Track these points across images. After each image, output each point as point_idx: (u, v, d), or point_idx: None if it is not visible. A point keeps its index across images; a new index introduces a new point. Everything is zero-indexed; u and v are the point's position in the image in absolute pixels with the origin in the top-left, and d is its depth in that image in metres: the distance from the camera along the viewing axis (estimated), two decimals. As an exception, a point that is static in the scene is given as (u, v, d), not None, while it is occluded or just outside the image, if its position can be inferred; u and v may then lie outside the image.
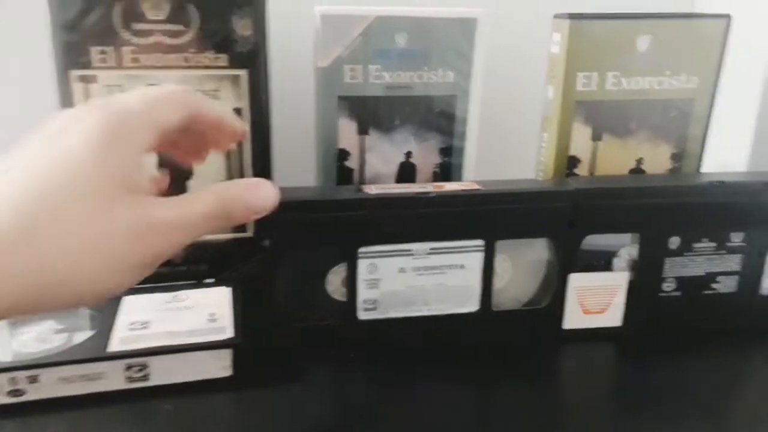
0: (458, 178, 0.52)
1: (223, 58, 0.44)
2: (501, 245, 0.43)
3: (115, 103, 0.26)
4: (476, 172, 0.51)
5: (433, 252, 0.42)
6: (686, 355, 0.43)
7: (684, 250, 0.44)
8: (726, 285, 0.45)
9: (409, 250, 0.42)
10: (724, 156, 0.58)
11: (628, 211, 0.43)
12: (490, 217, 0.42)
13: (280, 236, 0.40)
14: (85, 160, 0.24)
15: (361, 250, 0.41)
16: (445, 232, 0.42)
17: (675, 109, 0.49)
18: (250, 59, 0.44)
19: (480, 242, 0.42)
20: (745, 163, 0.57)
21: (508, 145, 0.63)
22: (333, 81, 0.46)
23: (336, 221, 0.41)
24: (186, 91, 0.29)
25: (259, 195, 0.29)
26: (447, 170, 0.51)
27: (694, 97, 0.49)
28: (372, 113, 0.48)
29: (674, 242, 0.44)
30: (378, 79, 0.47)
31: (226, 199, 0.27)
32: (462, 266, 0.43)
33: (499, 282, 0.44)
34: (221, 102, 0.45)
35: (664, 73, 0.47)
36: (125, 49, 0.42)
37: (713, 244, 0.44)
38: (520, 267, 0.45)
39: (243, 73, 0.44)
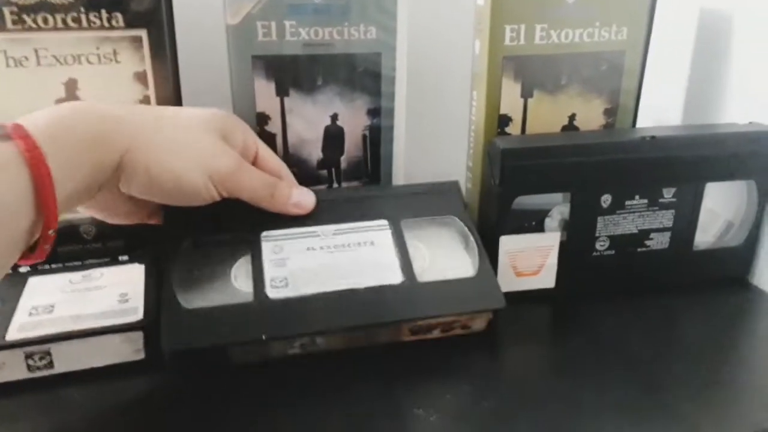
0: (389, 141, 0.51)
1: (118, 18, 0.42)
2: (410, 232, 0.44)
3: None
4: (407, 134, 0.51)
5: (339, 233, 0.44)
6: (619, 314, 0.45)
7: (616, 208, 0.46)
8: (659, 242, 0.47)
9: (314, 232, 0.44)
10: (659, 110, 0.59)
11: (558, 169, 0.44)
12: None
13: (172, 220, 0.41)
14: (204, 116, 0.41)
15: (264, 233, 0.42)
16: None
17: (606, 62, 0.50)
18: (150, 18, 0.43)
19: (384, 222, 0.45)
20: (679, 117, 0.58)
21: (438, 104, 0.63)
22: (245, 39, 0.45)
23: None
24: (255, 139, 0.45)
25: (306, 199, 0.44)
26: (376, 133, 0.51)
27: (625, 49, 0.50)
28: (291, 73, 0.47)
29: (606, 200, 0.45)
30: (294, 36, 0.46)
31: (281, 183, 0.43)
32: (372, 243, 0.44)
33: (420, 264, 0.43)
34: (121, 65, 0.43)
35: (594, 24, 0.48)
36: (5, 9, 0.40)
37: (645, 201, 0.46)
38: (438, 249, 0.45)
39: (142, 34, 0.43)
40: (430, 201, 0.47)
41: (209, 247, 0.42)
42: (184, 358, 0.38)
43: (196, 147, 0.38)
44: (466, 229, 0.45)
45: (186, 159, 0.37)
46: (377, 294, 0.40)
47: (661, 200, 0.46)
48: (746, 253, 0.49)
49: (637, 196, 0.46)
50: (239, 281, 0.41)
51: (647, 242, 0.47)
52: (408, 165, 0.52)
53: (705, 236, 0.48)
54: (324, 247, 0.43)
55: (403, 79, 0.50)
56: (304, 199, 0.43)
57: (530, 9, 0.46)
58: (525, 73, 0.49)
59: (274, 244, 0.42)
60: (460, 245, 0.45)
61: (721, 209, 0.48)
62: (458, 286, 0.42)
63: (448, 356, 0.40)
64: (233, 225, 0.42)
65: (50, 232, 0.32)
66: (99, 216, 0.40)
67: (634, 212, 0.46)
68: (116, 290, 0.41)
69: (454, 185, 0.48)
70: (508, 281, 0.45)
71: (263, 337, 0.37)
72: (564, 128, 0.51)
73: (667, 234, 0.47)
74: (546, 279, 0.46)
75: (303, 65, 0.47)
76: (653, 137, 0.45)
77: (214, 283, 0.41)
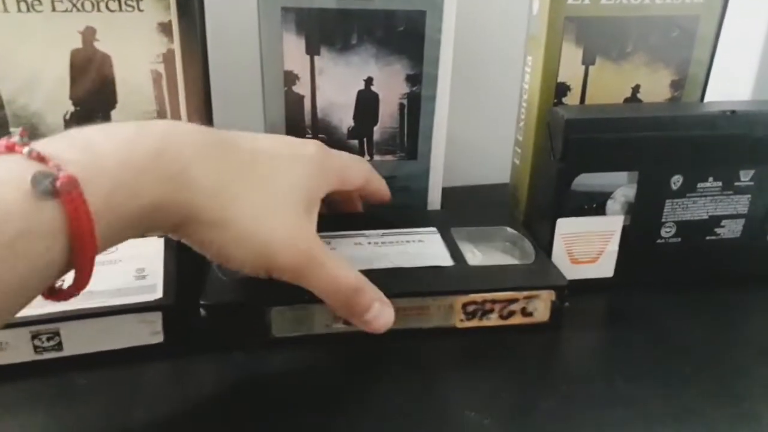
0: (429, 113, 0.49)
1: (140, -38, 0.39)
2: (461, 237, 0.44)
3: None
4: (450, 106, 0.48)
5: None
6: (685, 308, 0.43)
7: (687, 190, 0.43)
8: (731, 230, 0.45)
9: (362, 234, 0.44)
10: (728, 83, 0.56)
11: (627, 145, 0.41)
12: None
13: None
14: (302, 172, 0.34)
15: None
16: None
17: (677, 28, 0.46)
18: (175, -37, 0.40)
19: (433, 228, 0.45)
20: (749, 92, 0.55)
21: (486, 71, 0.60)
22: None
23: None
24: (371, 168, 0.42)
25: (385, 316, 0.35)
26: (416, 103, 0.49)
27: (700, 14, 0.47)
28: (322, 29, 0.45)
29: (676, 181, 0.42)
30: (337, -12, 0.43)
31: (362, 294, 0.34)
32: (421, 241, 0.44)
33: (471, 258, 0.43)
34: (144, 14, 0.41)
35: (666, -16, 0.45)
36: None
37: (719, 184, 0.43)
38: (491, 251, 0.45)
39: (167, -20, 0.40)
40: (479, 211, 0.49)
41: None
42: (222, 319, 0.37)
43: (265, 236, 0.31)
44: (520, 236, 0.45)
45: (249, 248, 0.31)
46: (428, 272, 0.40)
47: (737, 183, 0.43)
48: None
49: (711, 178, 0.43)
50: None
51: (717, 230, 0.44)
52: (449, 139, 0.50)
53: None
54: (372, 243, 0.43)
55: (449, 43, 0.47)
56: (382, 319, 0.34)
57: (597, -36, 0.43)
58: (588, 37, 0.46)
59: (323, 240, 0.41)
60: (513, 249, 0.45)
61: None
62: (515, 269, 0.41)
63: (504, 349, 0.38)
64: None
65: (77, 293, 0.27)
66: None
67: (706, 196, 0.43)
68: (133, 265, 0.39)
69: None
70: (563, 269, 0.42)
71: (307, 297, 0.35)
72: (626, 100, 0.48)
73: (741, 222, 0.44)
74: (604, 267, 0.44)
75: (336, 21, 0.45)
76: (733, 112, 0.42)
77: None
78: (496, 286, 0.38)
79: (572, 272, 0.42)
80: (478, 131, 0.60)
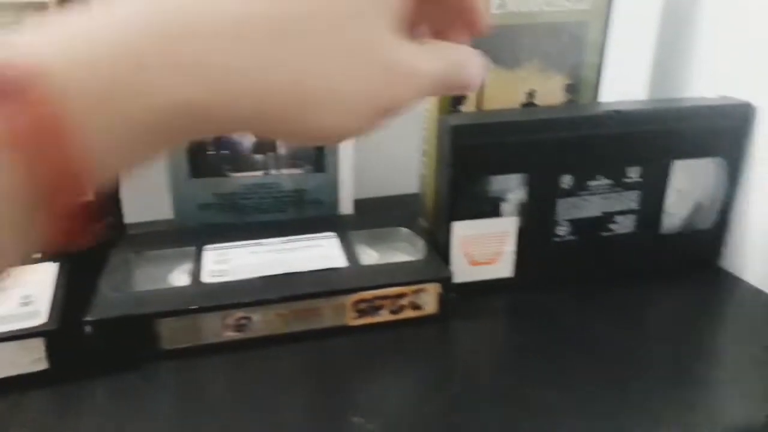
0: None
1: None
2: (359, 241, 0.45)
3: None
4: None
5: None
6: (583, 304, 0.44)
7: (578, 189, 0.45)
8: (624, 225, 0.46)
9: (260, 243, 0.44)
10: (623, 85, 0.59)
11: (513, 148, 0.43)
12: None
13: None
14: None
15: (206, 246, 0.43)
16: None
17: (567, 34, 0.48)
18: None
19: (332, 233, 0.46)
20: (644, 92, 0.58)
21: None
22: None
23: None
24: None
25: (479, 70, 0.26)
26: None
27: (588, 20, 0.49)
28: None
29: (566, 181, 0.44)
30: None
31: (457, 66, 0.26)
32: (319, 245, 0.45)
33: (367, 258, 0.44)
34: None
35: (554, -8, 0.47)
36: None
37: (609, 181, 0.45)
38: (386, 251, 0.46)
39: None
40: (384, 217, 0.49)
41: (150, 258, 0.43)
42: (109, 336, 0.36)
43: (352, 85, 0.21)
44: (413, 234, 0.46)
45: (338, 111, 0.21)
46: (319, 274, 0.40)
47: (625, 180, 0.45)
48: (716, 236, 0.48)
49: (599, 176, 0.44)
50: (177, 280, 0.42)
51: (611, 226, 0.46)
52: (361, 151, 0.51)
53: (673, 219, 0.47)
54: (270, 250, 0.43)
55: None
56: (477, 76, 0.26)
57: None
58: (481, 46, 0.47)
59: (217, 252, 0.43)
60: (411, 249, 0.46)
61: (689, 190, 0.47)
62: (404, 265, 0.42)
63: (396, 347, 0.39)
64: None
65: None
66: None
67: (596, 194, 0.45)
68: (19, 292, 0.38)
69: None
70: (462, 271, 0.43)
71: (192, 307, 0.37)
72: (523, 105, 0.50)
73: (633, 217, 0.46)
74: (503, 268, 0.45)
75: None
76: (617, 111, 0.44)
77: (149, 281, 0.41)
78: (384, 282, 0.39)
79: (471, 274, 0.43)
80: (391, 142, 0.61)
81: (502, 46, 0.48)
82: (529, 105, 0.50)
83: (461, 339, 0.40)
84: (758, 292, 0.45)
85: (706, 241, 0.48)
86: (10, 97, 0.15)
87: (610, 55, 0.50)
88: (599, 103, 0.51)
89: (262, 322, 0.38)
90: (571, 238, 0.46)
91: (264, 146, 0.49)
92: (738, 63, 0.48)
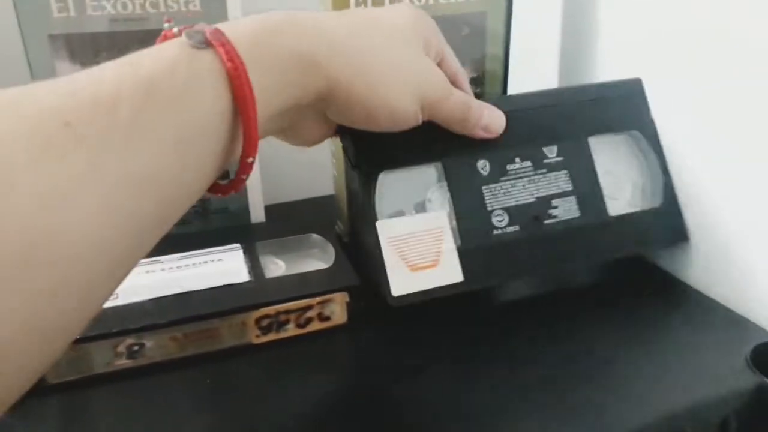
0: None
1: None
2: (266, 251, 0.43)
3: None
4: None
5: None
6: (539, 307, 0.42)
7: (498, 174, 0.42)
8: (566, 209, 0.43)
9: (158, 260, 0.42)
10: (531, 76, 0.58)
11: (418, 140, 0.38)
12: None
13: None
14: (406, 22, 0.35)
15: None
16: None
17: (466, 26, 0.47)
18: None
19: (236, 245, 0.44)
20: (555, 82, 0.57)
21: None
22: (37, 16, 0.40)
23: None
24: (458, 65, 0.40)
25: (498, 119, 0.41)
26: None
27: (486, 11, 0.48)
28: (98, 54, 0.43)
29: (484, 166, 0.42)
30: (98, 11, 0.41)
31: (472, 104, 0.39)
32: (221, 260, 0.42)
33: (273, 270, 0.42)
34: None
35: (443, -19, 0.46)
36: None
37: (528, 163, 0.43)
38: (296, 260, 0.44)
39: None
40: (298, 223, 0.48)
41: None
42: None
43: (407, 70, 0.34)
44: (324, 240, 0.44)
45: (400, 87, 0.33)
46: (217, 292, 0.38)
47: (546, 161, 0.43)
48: (666, 215, 0.46)
49: (517, 159, 0.43)
50: None
51: (552, 211, 0.43)
52: (268, 155, 0.48)
53: (618, 202, 0.45)
54: (167, 268, 0.41)
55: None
56: (494, 122, 0.40)
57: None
58: None
59: None
60: (321, 254, 0.44)
61: (620, 171, 0.46)
62: (311, 275, 0.40)
63: (304, 362, 0.37)
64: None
65: (249, 160, 0.28)
66: (281, 138, 0.36)
67: (521, 177, 0.42)
68: None
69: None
70: (404, 280, 0.38)
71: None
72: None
73: (572, 199, 0.43)
74: (450, 270, 0.40)
75: (112, 44, 0.43)
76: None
77: None
78: (288, 296, 0.37)
79: (416, 282, 0.38)
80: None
81: None
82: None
83: (372, 349, 0.38)
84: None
85: (658, 221, 0.45)
86: (220, 46, 0.26)
87: (515, 46, 0.49)
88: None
89: (155, 347, 0.35)
90: (514, 229, 0.42)
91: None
92: (635, 44, 0.48)
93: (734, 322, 0.39)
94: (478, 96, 0.48)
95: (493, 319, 0.41)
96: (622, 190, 0.46)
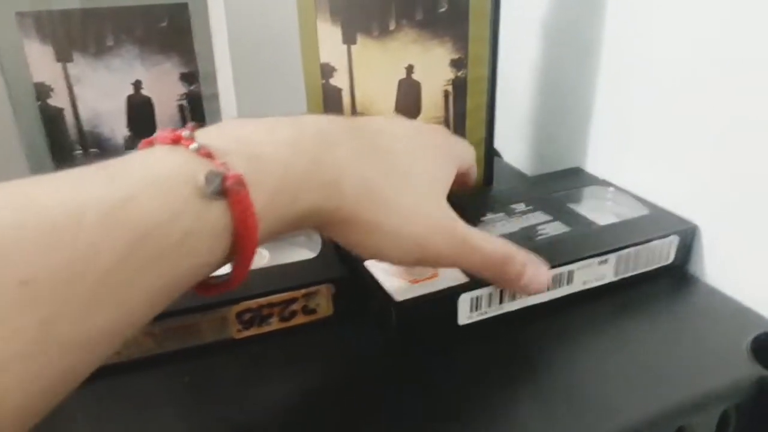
0: (215, 112, 0.44)
1: None
2: None
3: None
4: (239, 101, 0.44)
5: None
6: None
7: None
8: (554, 228, 0.41)
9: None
10: (529, 56, 0.55)
11: None
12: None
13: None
14: (436, 162, 0.32)
15: None
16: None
17: (445, 3, 0.43)
18: None
19: None
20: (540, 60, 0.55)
21: (272, 59, 0.56)
22: (2, -8, 0.37)
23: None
24: (474, 154, 0.37)
25: (539, 277, 0.33)
26: (197, 103, 0.44)
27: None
28: (69, 33, 0.39)
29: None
30: (68, -14, 0.38)
31: (515, 257, 0.32)
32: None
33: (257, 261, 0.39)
34: None
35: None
36: None
37: (501, 214, 0.42)
38: (283, 249, 0.41)
39: None
40: None
41: None
42: None
43: (418, 234, 0.29)
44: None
45: (403, 246, 0.29)
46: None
47: (517, 211, 0.41)
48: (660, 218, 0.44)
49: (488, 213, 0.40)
50: None
51: (541, 231, 0.41)
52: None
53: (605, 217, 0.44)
54: None
55: (222, 36, 0.43)
56: (537, 280, 0.33)
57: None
58: (343, 15, 0.42)
59: None
60: (310, 243, 0.41)
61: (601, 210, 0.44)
62: (295, 267, 0.37)
63: (288, 356, 0.34)
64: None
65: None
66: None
67: (497, 221, 0.40)
68: None
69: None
70: (404, 289, 0.35)
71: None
72: (402, 81, 0.45)
73: (557, 223, 0.42)
74: (453, 275, 0.36)
75: (85, 22, 0.39)
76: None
77: None
78: (270, 288, 0.34)
79: (418, 290, 0.35)
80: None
81: (366, 15, 0.42)
82: (408, 81, 0.45)
83: (359, 342, 0.35)
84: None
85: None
86: (237, 203, 0.22)
87: (506, 25, 0.46)
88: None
89: (131, 344, 0.32)
90: None
91: (138, 140, 0.43)
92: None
93: (735, 310, 0.37)
94: (459, 79, 0.46)
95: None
96: (606, 217, 0.43)
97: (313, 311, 0.35)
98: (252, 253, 0.24)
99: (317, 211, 0.26)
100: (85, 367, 0.20)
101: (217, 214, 0.22)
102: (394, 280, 0.35)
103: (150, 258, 0.20)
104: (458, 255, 0.31)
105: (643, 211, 0.43)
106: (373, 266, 0.36)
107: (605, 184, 0.47)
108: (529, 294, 0.35)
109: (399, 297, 0.34)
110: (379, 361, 0.34)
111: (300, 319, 0.35)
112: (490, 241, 0.32)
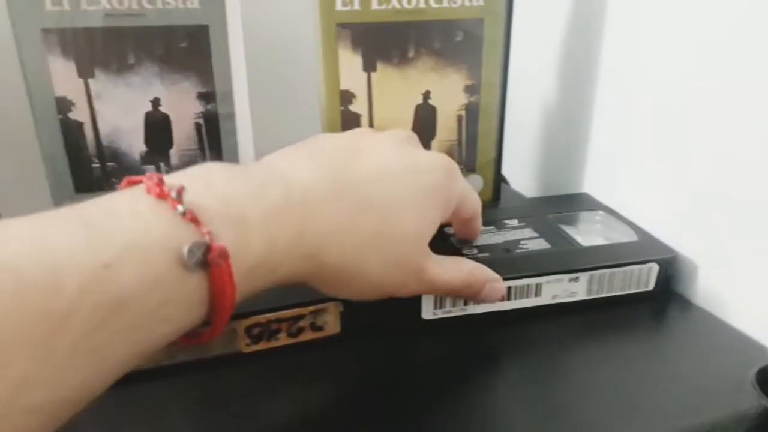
0: (231, 131, 0.45)
1: None
2: None
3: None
4: (254, 121, 0.45)
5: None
6: None
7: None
8: (536, 244, 0.42)
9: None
10: (538, 84, 0.56)
11: None
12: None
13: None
14: (422, 206, 0.31)
15: None
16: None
17: (461, 32, 0.45)
18: None
19: None
20: (555, 91, 0.55)
21: (289, 82, 0.57)
22: (29, 8, 0.38)
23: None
24: (479, 204, 0.37)
25: (495, 292, 0.35)
26: (213, 121, 0.44)
27: (483, 18, 0.45)
28: (92, 50, 0.40)
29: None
30: (92, 5, 0.39)
31: (474, 282, 0.34)
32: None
33: None
34: None
35: (442, -13, 0.43)
36: None
37: (492, 227, 0.41)
38: None
39: None
40: None
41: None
42: None
43: (390, 285, 0.31)
44: None
45: (375, 293, 0.31)
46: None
47: (508, 226, 0.41)
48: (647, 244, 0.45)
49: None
50: None
51: (522, 245, 0.41)
52: (260, 154, 0.46)
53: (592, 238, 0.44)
54: None
55: (240, 58, 0.43)
56: (493, 294, 0.36)
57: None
58: (364, 44, 0.43)
59: None
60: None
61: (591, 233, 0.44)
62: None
63: (295, 372, 0.34)
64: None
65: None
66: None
67: (486, 232, 0.41)
68: None
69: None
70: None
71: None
72: (418, 107, 0.46)
73: (541, 240, 0.42)
74: None
75: (107, 40, 0.40)
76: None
77: None
78: (279, 304, 0.34)
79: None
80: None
81: (386, 43, 0.44)
82: (426, 106, 0.46)
83: (366, 360, 0.35)
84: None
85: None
86: (218, 278, 0.22)
87: (514, 55, 0.47)
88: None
89: (141, 355, 0.32)
90: (483, 255, 0.40)
91: (154, 156, 0.44)
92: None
93: (739, 341, 0.37)
94: (472, 104, 0.47)
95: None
96: (594, 240, 0.44)
97: (320, 328, 0.35)
98: (226, 319, 0.24)
99: (294, 276, 0.28)
100: (54, 424, 0.20)
101: (196, 284, 0.22)
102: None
103: (126, 326, 0.20)
104: (425, 290, 0.33)
105: (633, 237, 0.43)
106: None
107: (602, 208, 0.48)
108: (489, 302, 0.36)
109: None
110: (386, 380, 0.34)
111: (307, 336, 0.35)
112: (454, 271, 0.33)
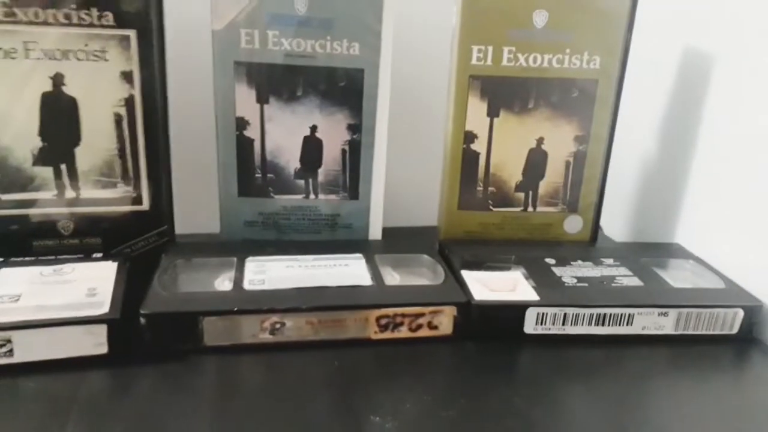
0: (369, 158, 0.51)
1: (108, 17, 0.42)
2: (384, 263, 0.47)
3: None
4: (391, 153, 0.51)
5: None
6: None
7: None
8: (629, 281, 0.46)
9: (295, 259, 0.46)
10: (640, 139, 0.59)
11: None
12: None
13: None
14: None
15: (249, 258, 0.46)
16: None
17: (576, 90, 0.49)
18: (140, 19, 0.43)
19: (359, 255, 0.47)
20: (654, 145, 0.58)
21: (419, 121, 0.63)
22: (228, 45, 0.46)
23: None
24: None
25: None
26: (356, 149, 0.51)
27: (598, 79, 0.50)
28: (271, 81, 0.47)
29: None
30: (276, 46, 0.46)
31: None
32: (347, 265, 0.46)
33: (390, 280, 0.46)
34: (108, 63, 0.43)
35: (564, 51, 0.48)
36: (-2, 1, 0.41)
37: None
38: (408, 274, 0.47)
39: (131, 34, 0.43)
40: (407, 244, 0.50)
41: (198, 264, 0.46)
42: (159, 328, 0.38)
43: None
44: (434, 262, 0.47)
45: None
46: (347, 290, 0.42)
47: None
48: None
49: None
50: (221, 285, 0.43)
51: (615, 280, 0.45)
52: (392, 184, 0.53)
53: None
54: (302, 266, 0.45)
55: (385, 98, 0.50)
56: None
57: (498, 31, 0.47)
58: (491, 93, 0.49)
59: (257, 264, 0.45)
60: (431, 274, 0.47)
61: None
62: (424, 288, 0.43)
63: (412, 361, 0.39)
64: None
65: None
66: None
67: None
68: (85, 285, 0.40)
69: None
70: (485, 294, 0.42)
71: (234, 309, 0.38)
72: (531, 150, 0.51)
73: (635, 278, 0.46)
74: (526, 292, 0.43)
75: (284, 74, 0.48)
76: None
77: (196, 284, 0.43)
78: (405, 301, 0.40)
79: (496, 296, 0.42)
80: (419, 176, 0.63)
81: (511, 94, 0.50)
82: (538, 150, 0.51)
83: (471, 360, 0.40)
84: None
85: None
86: None
87: (622, 111, 0.51)
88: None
89: (294, 327, 0.39)
90: (582, 285, 0.44)
91: (306, 173, 0.51)
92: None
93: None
94: (580, 152, 0.51)
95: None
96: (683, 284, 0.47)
97: (436, 327, 0.41)
98: None
99: None
100: None
101: None
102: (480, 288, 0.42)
103: None
104: None
105: (720, 285, 0.46)
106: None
107: (693, 258, 0.51)
108: None
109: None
110: (488, 382, 0.38)
111: (424, 332, 0.41)
112: None
